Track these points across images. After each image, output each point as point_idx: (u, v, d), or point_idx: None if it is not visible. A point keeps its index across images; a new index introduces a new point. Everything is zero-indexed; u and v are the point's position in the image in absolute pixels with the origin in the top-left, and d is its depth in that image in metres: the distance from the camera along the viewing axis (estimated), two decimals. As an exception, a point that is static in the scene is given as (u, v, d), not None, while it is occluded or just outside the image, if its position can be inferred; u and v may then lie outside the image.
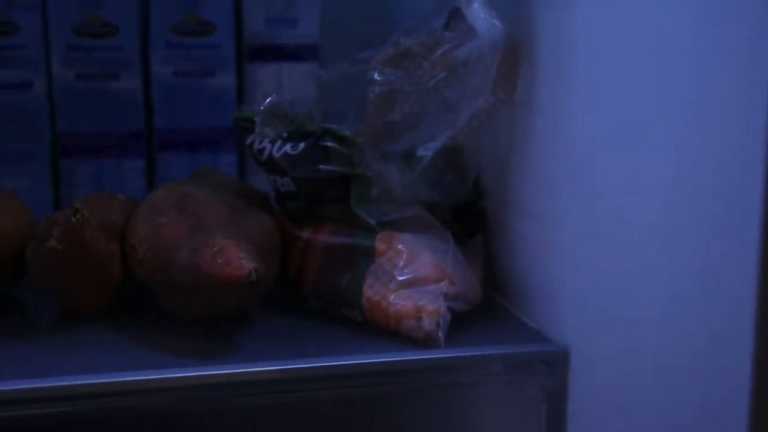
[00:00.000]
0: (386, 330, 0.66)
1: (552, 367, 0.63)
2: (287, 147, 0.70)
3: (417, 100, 0.70)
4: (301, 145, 0.70)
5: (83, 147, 0.84)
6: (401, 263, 0.67)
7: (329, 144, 0.70)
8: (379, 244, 0.68)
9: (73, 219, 0.62)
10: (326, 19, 0.89)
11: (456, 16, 0.70)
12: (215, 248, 0.62)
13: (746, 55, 0.47)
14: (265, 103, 0.71)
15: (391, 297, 0.66)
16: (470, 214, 0.77)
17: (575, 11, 0.63)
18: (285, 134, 0.71)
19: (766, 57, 0.46)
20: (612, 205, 0.59)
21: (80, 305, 0.66)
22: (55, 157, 0.83)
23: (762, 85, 0.46)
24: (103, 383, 0.59)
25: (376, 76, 0.70)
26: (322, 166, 0.70)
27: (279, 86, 0.88)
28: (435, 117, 0.71)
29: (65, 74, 0.82)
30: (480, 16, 0.67)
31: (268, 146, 0.71)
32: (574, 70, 0.63)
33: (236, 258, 0.61)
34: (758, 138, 0.46)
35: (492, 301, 0.73)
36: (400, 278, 0.66)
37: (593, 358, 0.61)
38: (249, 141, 0.72)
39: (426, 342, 0.64)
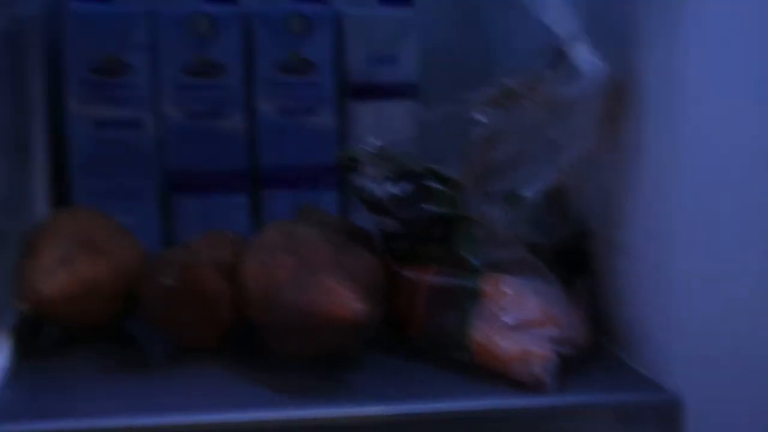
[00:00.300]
0: (493, 372, 0.66)
1: (664, 417, 0.62)
2: (392, 187, 0.71)
3: (520, 140, 0.70)
4: (406, 186, 0.71)
5: (190, 184, 0.86)
6: (507, 306, 0.67)
7: (433, 185, 0.71)
8: (485, 286, 0.68)
9: (188, 258, 0.64)
10: (426, 57, 0.90)
11: (560, 56, 0.70)
12: (323, 288, 0.63)
13: None
14: (371, 143, 0.72)
15: (498, 340, 0.66)
16: (574, 255, 0.76)
17: (682, 50, 0.62)
18: (390, 174, 0.72)
19: None
20: (727, 249, 0.58)
21: (192, 342, 0.68)
22: (163, 194, 0.86)
23: None
24: (209, 422, 0.60)
25: (478, 116, 0.70)
26: (426, 207, 0.70)
27: (378, 124, 0.90)
28: (538, 157, 0.71)
29: (175, 113, 0.84)
30: (584, 56, 0.67)
31: (373, 186, 0.72)
32: (682, 111, 0.63)
33: (344, 298, 0.62)
34: None
35: (599, 345, 0.72)
36: (507, 321, 0.66)
37: (709, 409, 0.60)
38: (353, 181, 0.73)
39: (533, 386, 0.64)
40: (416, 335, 0.70)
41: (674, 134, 0.64)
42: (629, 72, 0.68)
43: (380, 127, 0.89)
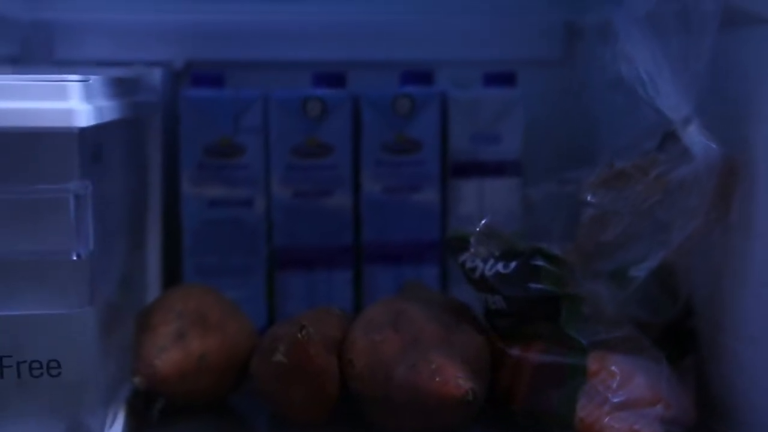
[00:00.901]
0: (600, 452, 0.65)
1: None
2: (499, 266, 0.72)
3: (631, 221, 0.71)
4: (513, 264, 0.71)
5: (297, 260, 0.88)
6: (615, 385, 0.67)
7: (540, 263, 0.71)
8: (592, 364, 0.68)
9: (300, 335, 0.65)
10: (530, 135, 0.91)
11: (671, 137, 0.70)
12: (433, 366, 0.63)
13: None
14: (481, 223, 0.73)
15: (606, 419, 0.65)
16: (680, 334, 0.75)
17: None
18: (497, 253, 0.72)
19: None
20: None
21: (300, 417, 0.69)
22: (270, 270, 0.88)
23: None
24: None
25: (589, 198, 0.71)
26: (532, 285, 0.71)
27: (480, 201, 0.91)
28: (648, 238, 0.71)
29: (284, 192, 0.87)
30: (696, 138, 0.68)
31: (480, 265, 0.72)
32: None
33: (454, 377, 0.63)
34: None
35: (706, 426, 0.71)
36: (615, 400, 0.66)
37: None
38: (461, 259, 0.74)
39: (642, 467, 0.63)
40: (520, 412, 0.70)
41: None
42: (742, 151, 0.68)
43: (482, 204, 0.90)
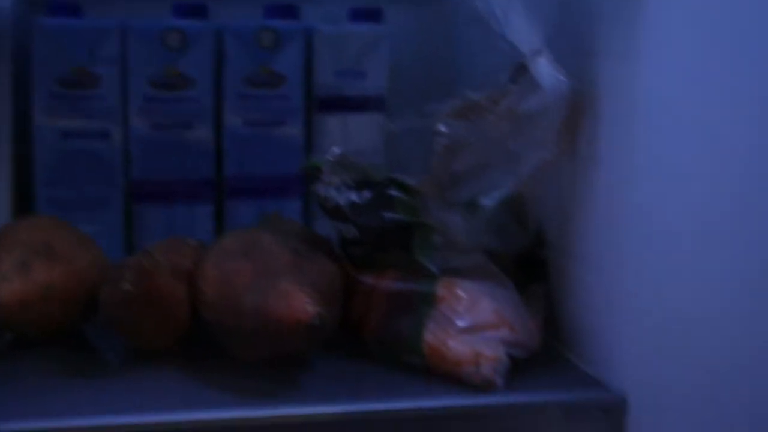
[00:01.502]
0: (446, 375, 0.66)
1: (609, 415, 0.63)
2: (353, 195, 0.72)
3: (482, 151, 0.72)
4: (367, 194, 0.72)
5: (155, 193, 0.87)
6: (461, 309, 0.68)
7: (394, 193, 0.72)
8: (440, 291, 0.69)
9: (146, 263, 0.64)
10: (394, 71, 0.92)
11: (521, 70, 0.71)
12: (281, 293, 0.64)
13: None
14: (333, 153, 0.73)
15: (451, 343, 0.67)
16: (531, 262, 0.77)
17: (638, 64, 0.64)
18: (351, 183, 0.73)
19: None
20: (674, 257, 0.60)
21: (149, 345, 0.69)
22: (128, 203, 0.86)
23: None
24: (167, 422, 0.60)
25: (442, 128, 0.71)
26: (386, 214, 0.71)
27: (345, 136, 0.91)
28: (499, 168, 0.72)
29: (141, 124, 0.85)
30: (545, 70, 0.69)
31: (334, 194, 0.73)
32: (636, 123, 0.64)
33: (300, 302, 0.63)
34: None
35: (551, 348, 0.73)
36: (460, 324, 0.67)
37: (652, 408, 0.61)
38: (316, 189, 0.74)
39: (484, 387, 0.65)
40: (371, 339, 0.71)
41: (628, 146, 0.65)
42: (588, 84, 0.69)
43: (347, 139, 0.90)
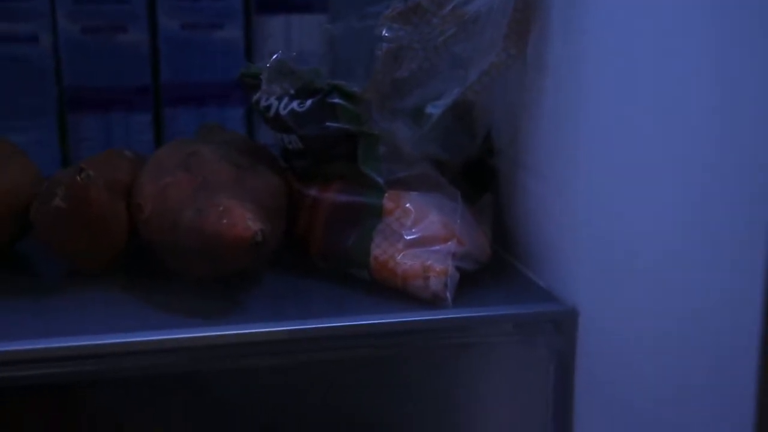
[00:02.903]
0: (394, 289, 0.65)
1: (560, 327, 0.63)
2: (294, 104, 0.69)
3: (426, 56, 0.69)
4: (308, 102, 0.69)
5: (90, 101, 0.83)
6: (409, 222, 0.66)
7: (336, 101, 0.69)
8: (387, 203, 0.67)
9: (78, 178, 0.62)
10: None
11: (466, -30, 0.68)
12: (221, 209, 0.61)
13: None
14: (272, 59, 0.70)
15: (399, 256, 0.65)
16: (480, 172, 0.76)
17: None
18: (292, 91, 0.70)
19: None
20: (622, 167, 0.58)
21: (85, 264, 0.66)
22: (62, 112, 0.83)
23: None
24: (108, 344, 0.59)
25: (384, 32, 0.68)
26: (329, 124, 0.69)
27: (287, 39, 0.87)
28: (444, 74, 0.70)
29: (71, 27, 0.81)
30: (491, -30, 0.66)
31: (275, 103, 0.70)
32: (585, 28, 0.62)
33: (242, 219, 0.61)
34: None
35: (501, 260, 0.72)
36: (408, 237, 0.66)
37: (602, 319, 0.61)
38: (255, 98, 0.71)
39: (433, 302, 0.64)
40: (317, 253, 0.69)
41: (577, 50, 0.63)
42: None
43: (289, 42, 0.87)
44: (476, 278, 0.67)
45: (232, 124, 0.85)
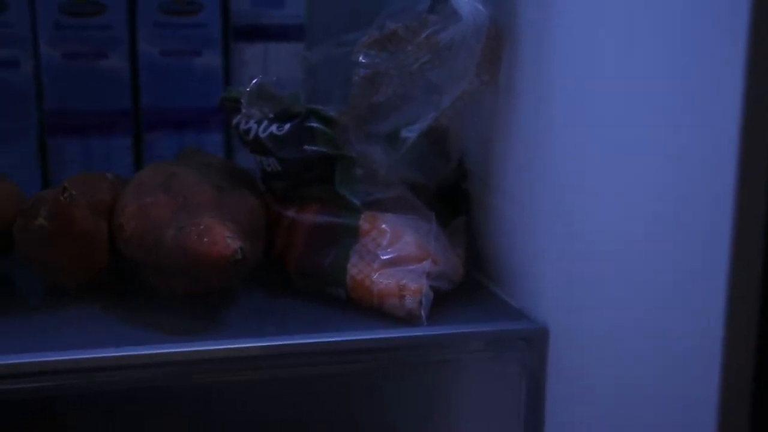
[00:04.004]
0: (370, 308, 0.67)
1: (532, 344, 0.65)
2: (273, 127, 0.71)
3: (401, 82, 0.71)
4: (287, 126, 0.71)
5: (71, 125, 0.84)
6: (385, 243, 0.68)
7: (314, 125, 0.71)
8: (364, 224, 0.69)
9: (61, 197, 0.63)
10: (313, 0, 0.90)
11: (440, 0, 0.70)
12: (201, 227, 0.63)
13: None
14: (252, 83, 0.72)
15: (375, 276, 0.67)
16: (454, 195, 0.78)
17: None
18: (271, 115, 0.72)
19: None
20: (589, 189, 0.60)
21: (67, 282, 0.67)
22: (42, 136, 0.84)
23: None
24: (89, 359, 0.60)
25: (361, 58, 0.71)
26: (307, 147, 0.71)
27: (265, 66, 0.89)
28: (419, 99, 0.72)
29: (53, 53, 0.83)
30: (464, 0, 0.68)
31: (254, 126, 0.72)
32: (554, 54, 0.64)
33: (222, 237, 0.62)
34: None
35: (474, 280, 0.74)
36: (384, 257, 0.68)
37: (572, 337, 0.63)
38: (235, 121, 0.73)
39: (408, 320, 0.65)
40: (294, 272, 0.71)
41: (545, 76, 0.65)
42: (507, 15, 0.69)
43: (267, 69, 0.89)
44: (450, 297, 0.69)
45: (212, 149, 0.86)
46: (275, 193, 0.74)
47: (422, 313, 0.65)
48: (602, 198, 0.59)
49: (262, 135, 0.71)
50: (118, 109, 0.85)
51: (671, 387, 0.53)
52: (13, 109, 0.83)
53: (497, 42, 0.69)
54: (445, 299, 0.68)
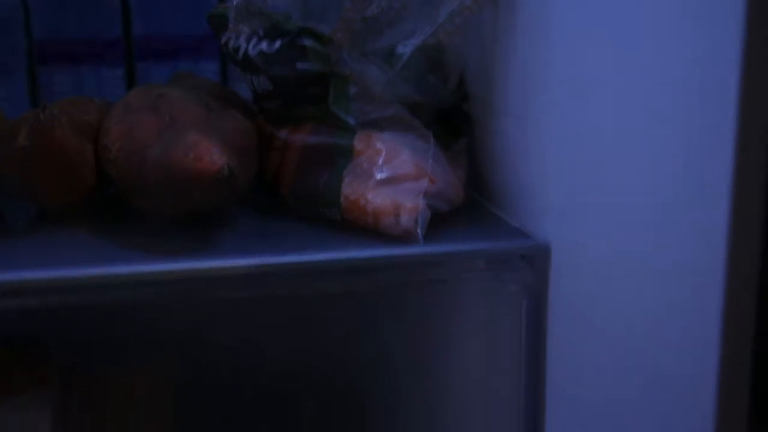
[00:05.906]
0: (365, 228, 0.65)
1: (533, 262, 0.62)
2: (263, 45, 0.69)
3: (397, -5, 0.68)
4: (277, 43, 0.68)
5: (61, 55, 0.82)
6: (380, 162, 0.66)
7: (306, 42, 0.68)
8: (358, 144, 0.67)
9: (41, 116, 0.61)
10: None
11: None
12: (187, 144, 0.61)
13: None
14: (238, -1, 0.69)
15: (370, 195, 0.65)
16: (454, 117, 0.75)
17: None
18: (261, 32, 0.69)
19: None
20: (594, 106, 0.58)
21: (52, 204, 0.66)
22: (31, 66, 0.82)
23: None
24: (78, 276, 0.58)
25: (353, -31, 0.68)
26: (299, 64, 0.68)
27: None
28: (415, 13, 0.69)
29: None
30: None
31: (244, 44, 0.69)
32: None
33: (208, 153, 0.60)
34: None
35: (475, 202, 0.72)
36: (379, 176, 0.65)
37: (573, 254, 0.60)
38: (224, 39, 0.70)
39: (404, 238, 0.63)
40: (288, 193, 0.69)
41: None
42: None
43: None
44: (449, 219, 0.66)
45: (207, 78, 0.84)
46: (267, 113, 0.71)
47: (419, 231, 0.63)
48: (607, 113, 0.56)
49: (251, 52, 0.69)
50: (109, 37, 0.83)
51: (675, 298, 0.51)
52: (1, 39, 0.81)
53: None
54: (444, 220, 0.66)
